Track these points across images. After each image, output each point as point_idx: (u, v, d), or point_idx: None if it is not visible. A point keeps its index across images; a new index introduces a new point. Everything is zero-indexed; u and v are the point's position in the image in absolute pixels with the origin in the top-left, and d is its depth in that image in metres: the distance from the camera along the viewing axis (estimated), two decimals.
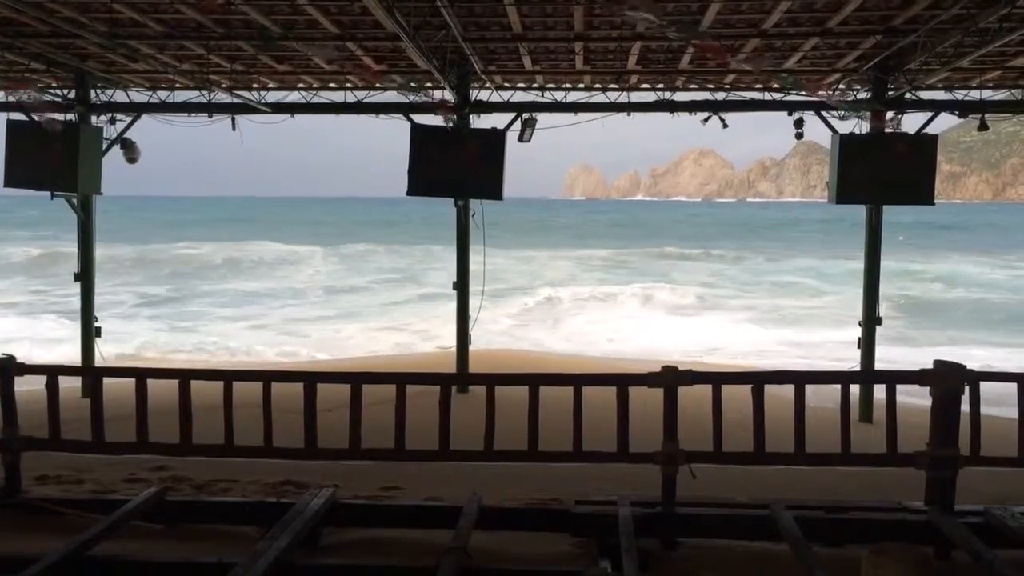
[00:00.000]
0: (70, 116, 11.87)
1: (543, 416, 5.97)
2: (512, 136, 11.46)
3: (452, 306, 12.26)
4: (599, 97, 12.14)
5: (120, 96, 12.39)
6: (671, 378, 5.73)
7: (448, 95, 11.71)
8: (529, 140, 11.71)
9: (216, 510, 6.09)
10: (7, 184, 11.33)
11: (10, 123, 11.36)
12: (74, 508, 5.95)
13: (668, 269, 37.48)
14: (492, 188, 11.23)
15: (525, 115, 11.66)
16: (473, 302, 12.11)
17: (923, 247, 46.48)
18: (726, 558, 5.47)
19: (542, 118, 11.75)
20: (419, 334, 20.70)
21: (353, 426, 6.07)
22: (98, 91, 12.24)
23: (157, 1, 8.65)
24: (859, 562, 4.21)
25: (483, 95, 12.07)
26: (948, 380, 5.65)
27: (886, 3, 8.62)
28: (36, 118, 11.22)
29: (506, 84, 12.36)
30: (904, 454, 5.85)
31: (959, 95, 11.73)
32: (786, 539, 5.20)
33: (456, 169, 11.07)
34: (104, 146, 11.94)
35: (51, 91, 12.37)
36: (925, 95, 11.46)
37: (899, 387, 6.01)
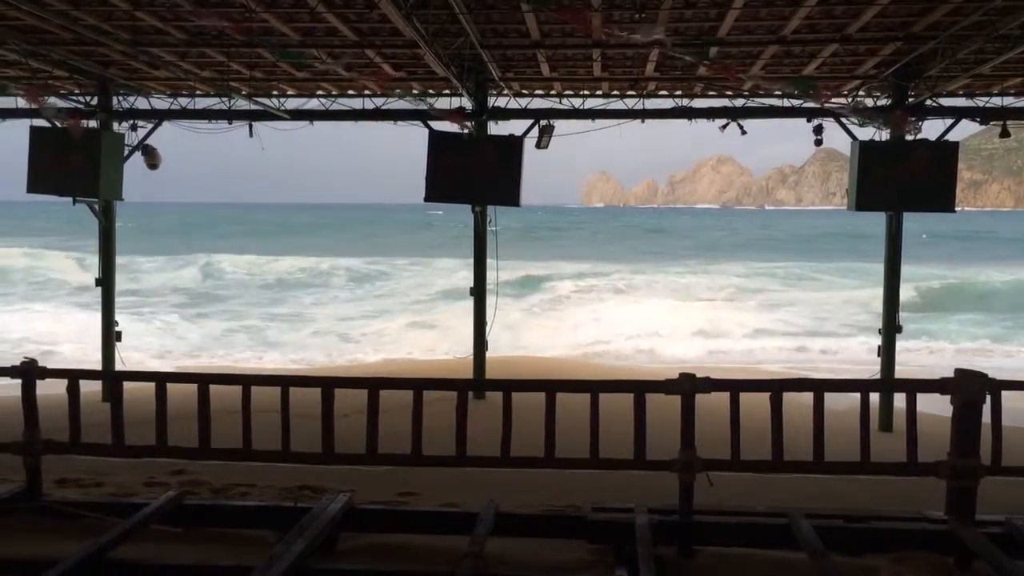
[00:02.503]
0: (92, 122, 12.01)
1: (560, 422, 5.95)
2: (529, 143, 11.49)
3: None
4: (617, 104, 12.17)
5: (142, 103, 12.52)
6: (688, 385, 5.71)
7: (466, 102, 11.76)
8: (546, 147, 11.75)
9: (234, 514, 6.11)
10: (30, 190, 11.47)
11: (33, 129, 11.51)
12: (93, 511, 5.98)
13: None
14: (509, 195, 11.26)
15: (542, 122, 11.70)
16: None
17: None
18: (744, 566, 5.42)
19: (559, 125, 11.79)
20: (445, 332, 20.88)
21: (370, 431, 6.08)
22: (120, 98, 12.38)
23: (179, 9, 8.75)
24: (879, 571, 4.17)
25: (500, 102, 12.12)
26: (969, 389, 5.59)
27: (906, 9, 8.57)
28: (60, 123, 11.37)
29: (524, 91, 12.39)
30: (924, 463, 5.79)
31: (980, 102, 11.66)
32: (805, 548, 5.16)
33: (473, 176, 11.11)
34: (126, 152, 12.07)
35: (74, 98, 12.52)
36: (946, 102, 11.40)
37: (920, 396, 5.96)
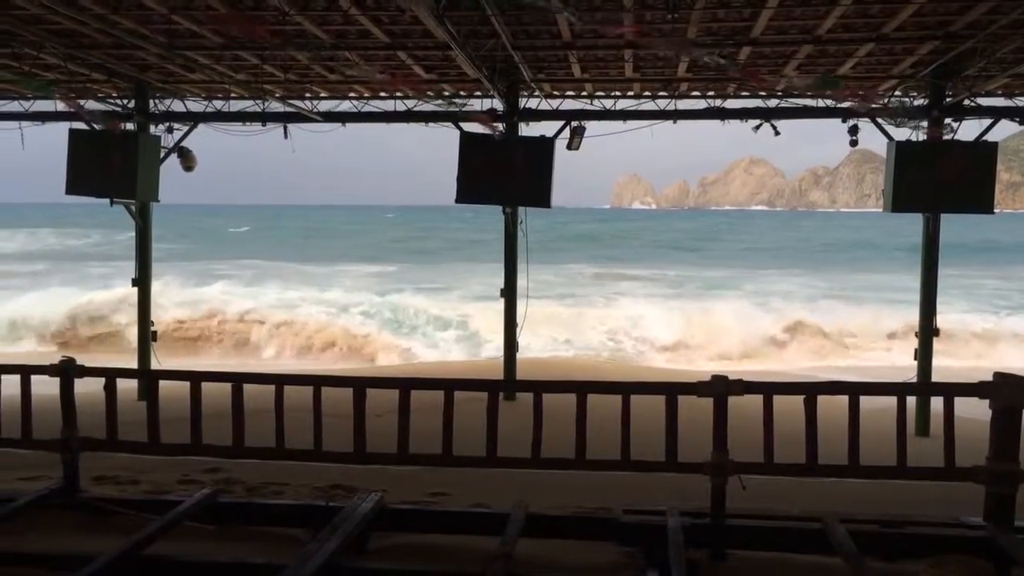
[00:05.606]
0: (129, 125, 12.19)
1: (591, 424, 5.94)
2: (560, 144, 11.47)
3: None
4: (648, 105, 12.11)
5: (177, 106, 12.69)
6: (721, 387, 5.66)
7: (497, 103, 11.77)
8: (577, 148, 11.73)
9: (267, 512, 6.17)
10: (69, 191, 11.67)
11: (72, 132, 11.69)
12: (130, 508, 6.06)
13: None
14: (540, 196, 11.25)
15: (574, 123, 11.68)
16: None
17: None
18: (777, 571, 5.37)
19: (590, 126, 11.75)
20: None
21: (401, 431, 6.11)
22: (156, 101, 12.55)
23: (212, 12, 8.84)
24: None
25: (532, 103, 12.10)
26: (1008, 392, 5.50)
27: (944, 8, 8.45)
28: (97, 126, 11.55)
29: (555, 92, 12.38)
30: (962, 468, 5.70)
31: (1019, 102, 11.45)
32: (839, 553, 5.10)
33: (504, 177, 11.12)
34: (162, 154, 12.24)
35: (111, 100, 12.71)
36: (984, 102, 11.21)
37: (958, 400, 5.86)
